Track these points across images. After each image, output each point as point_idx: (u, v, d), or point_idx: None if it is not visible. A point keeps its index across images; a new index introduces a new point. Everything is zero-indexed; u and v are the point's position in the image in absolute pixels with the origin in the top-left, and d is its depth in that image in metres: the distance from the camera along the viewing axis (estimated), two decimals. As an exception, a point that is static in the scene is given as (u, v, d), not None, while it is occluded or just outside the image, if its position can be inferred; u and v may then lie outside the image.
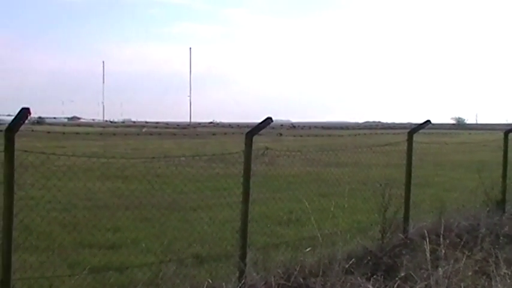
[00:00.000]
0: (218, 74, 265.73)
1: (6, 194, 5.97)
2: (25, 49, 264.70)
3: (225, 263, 8.16)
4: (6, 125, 5.94)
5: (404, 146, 10.88)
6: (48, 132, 6.71)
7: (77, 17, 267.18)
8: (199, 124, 9.08)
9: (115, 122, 7.30)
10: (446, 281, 7.02)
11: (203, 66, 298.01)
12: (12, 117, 5.84)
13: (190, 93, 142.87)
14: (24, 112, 5.73)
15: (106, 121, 7.02)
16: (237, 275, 7.52)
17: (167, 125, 7.26)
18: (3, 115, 5.97)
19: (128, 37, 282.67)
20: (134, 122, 7.56)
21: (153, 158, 8.90)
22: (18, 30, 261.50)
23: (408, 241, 9.61)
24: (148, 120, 7.36)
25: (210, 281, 7.33)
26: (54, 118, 6.51)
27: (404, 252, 9.02)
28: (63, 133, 6.69)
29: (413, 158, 10.69)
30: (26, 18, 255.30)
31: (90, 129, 6.96)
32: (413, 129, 10.70)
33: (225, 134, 8.31)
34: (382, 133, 12.82)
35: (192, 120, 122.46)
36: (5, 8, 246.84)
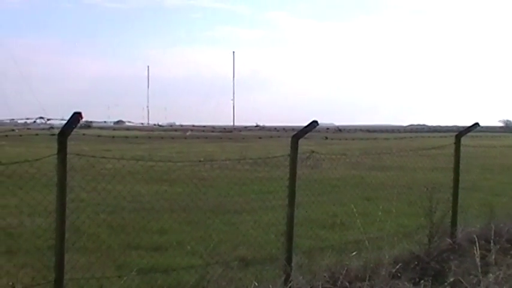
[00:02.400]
0: (261, 77, 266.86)
1: (59, 196, 6.12)
2: (72, 55, 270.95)
3: (270, 266, 8.17)
4: (54, 129, 6.08)
5: (451, 149, 10.70)
6: (99, 136, 6.86)
7: (122, 22, 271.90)
8: (245, 128, 9.10)
9: (162, 126, 7.40)
10: (497, 287, 6.87)
11: (246, 69, 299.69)
12: (65, 122, 5.99)
13: (233, 96, 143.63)
14: (76, 116, 5.86)
15: (154, 125, 7.14)
16: (283, 278, 7.53)
17: (213, 129, 7.33)
18: (56, 119, 6.11)
19: (171, 42, 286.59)
20: (181, 125, 7.64)
21: (200, 161, 8.99)
22: (66, 36, 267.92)
23: (456, 246, 9.45)
24: (192, 123, 7.46)
25: (256, 284, 7.35)
26: (105, 122, 6.65)
27: (452, 257, 8.87)
28: (113, 137, 6.83)
29: (460, 161, 10.51)
30: (73, 24, 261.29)
31: (138, 132, 7.07)
32: (461, 132, 10.51)
33: (271, 137, 8.33)
34: (429, 136, 12.64)
35: (236, 124, 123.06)
36: (53, 15, 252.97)
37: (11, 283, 6.82)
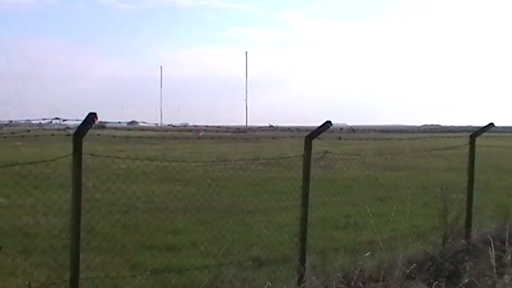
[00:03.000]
0: (274, 77, 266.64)
1: (74, 196, 6.17)
2: (86, 56, 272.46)
3: (284, 267, 8.18)
4: (70, 129, 6.12)
5: (465, 150, 10.65)
6: (114, 137, 6.92)
7: (135, 23, 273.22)
8: (259, 128, 9.12)
9: (176, 126, 7.44)
10: (512, 288, 6.83)
11: (259, 70, 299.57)
12: (79, 123, 6.04)
13: (246, 97, 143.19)
14: (91, 117, 5.90)
15: (168, 125, 7.18)
16: (297, 278, 7.54)
17: (227, 129, 7.36)
18: (72, 120, 6.16)
19: (184, 42, 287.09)
20: (195, 126, 7.68)
21: (214, 161, 9.02)
22: (80, 37, 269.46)
23: (471, 247, 9.41)
24: (204, 124, 7.49)
25: (270, 284, 7.36)
26: (119, 123, 6.70)
27: (466, 258, 8.83)
28: (127, 137, 6.87)
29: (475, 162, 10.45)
30: (87, 25, 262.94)
31: (151, 133, 7.12)
32: (476, 133, 10.46)
33: (285, 137, 8.34)
34: (443, 136, 12.58)
35: (249, 124, 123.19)
36: (67, 16, 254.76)
37: (27, 282, 6.89)
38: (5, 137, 6.66)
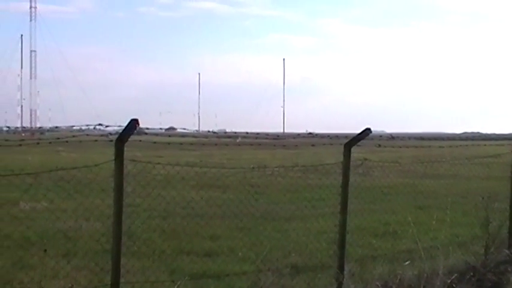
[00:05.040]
0: (312, 84, 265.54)
1: (116, 201, 6.27)
2: (125, 62, 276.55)
3: (322, 274, 8.15)
4: (113, 135, 6.23)
5: (508, 158, 10.44)
6: (154, 143, 7.03)
7: (174, 30, 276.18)
8: (298, 135, 9.13)
9: (216, 133, 7.52)
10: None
11: (297, 76, 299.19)
12: (120, 129, 6.15)
13: (283, 103, 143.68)
14: (133, 123, 6.01)
15: (208, 132, 7.25)
16: (335, 286, 7.51)
17: (267, 136, 7.39)
18: (114, 126, 6.28)
19: (222, 49, 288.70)
20: (235, 132, 7.74)
21: (253, 168, 9.06)
22: (119, 44, 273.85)
23: (514, 257, 9.21)
24: (241, 130, 7.56)
25: (308, 291, 7.35)
26: (160, 129, 6.81)
27: (510, 269, 8.65)
28: (168, 143, 6.98)
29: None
30: (126, 32, 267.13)
31: (191, 139, 7.21)
32: (519, 141, 10.25)
33: (324, 144, 8.34)
34: (485, 144, 12.36)
35: (286, 131, 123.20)
36: (108, 23, 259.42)
37: (70, 285, 7.04)
38: (50, 142, 6.84)
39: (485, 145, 12.22)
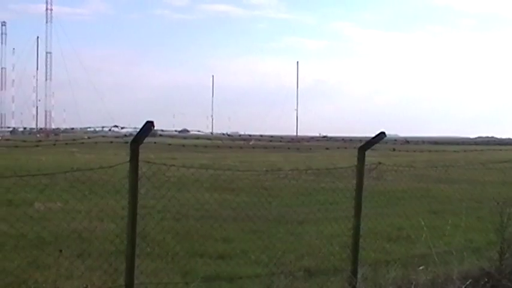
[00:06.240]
0: (325, 87, 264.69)
1: (131, 203, 6.31)
2: (139, 64, 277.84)
3: (335, 278, 8.14)
4: (128, 137, 6.27)
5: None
6: (169, 145, 7.07)
7: (188, 33, 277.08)
8: (311, 138, 9.14)
9: (231, 136, 7.54)
10: None
11: (310, 79, 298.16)
12: (134, 130, 6.18)
13: (297, 106, 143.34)
14: (148, 125, 6.04)
15: (223, 134, 7.28)
16: (348, 290, 7.49)
17: (281, 139, 7.41)
18: (130, 128, 6.31)
19: (236, 52, 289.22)
20: (250, 135, 7.75)
21: (266, 171, 9.07)
22: (134, 46, 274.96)
23: (529, 264, 9.12)
24: (255, 133, 7.57)
25: (322, 295, 7.34)
26: (175, 131, 6.84)
27: (524, 275, 8.57)
28: (183, 145, 7.01)
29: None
30: (140, 34, 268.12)
31: (205, 141, 7.24)
32: (535, 146, 10.18)
33: (338, 148, 8.33)
34: (500, 149, 12.28)
35: (299, 134, 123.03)
36: (122, 26, 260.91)
37: (84, 285, 7.08)
38: (66, 144, 6.90)
39: (500, 150, 12.15)
